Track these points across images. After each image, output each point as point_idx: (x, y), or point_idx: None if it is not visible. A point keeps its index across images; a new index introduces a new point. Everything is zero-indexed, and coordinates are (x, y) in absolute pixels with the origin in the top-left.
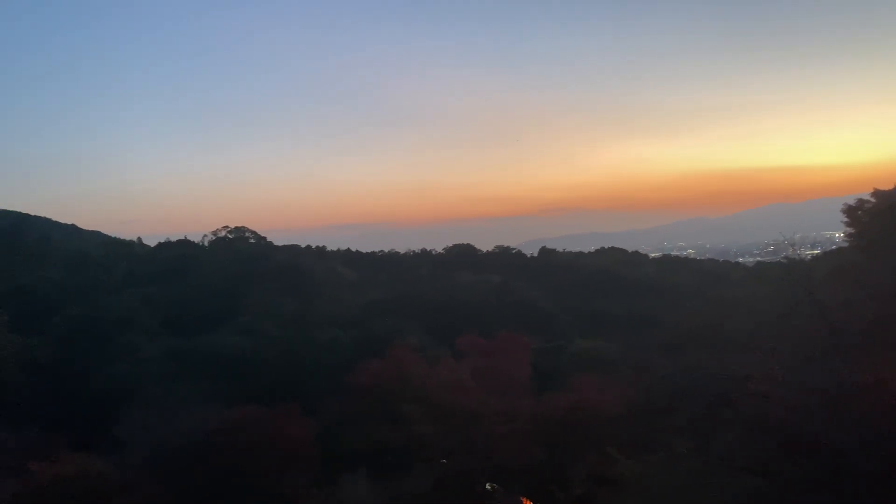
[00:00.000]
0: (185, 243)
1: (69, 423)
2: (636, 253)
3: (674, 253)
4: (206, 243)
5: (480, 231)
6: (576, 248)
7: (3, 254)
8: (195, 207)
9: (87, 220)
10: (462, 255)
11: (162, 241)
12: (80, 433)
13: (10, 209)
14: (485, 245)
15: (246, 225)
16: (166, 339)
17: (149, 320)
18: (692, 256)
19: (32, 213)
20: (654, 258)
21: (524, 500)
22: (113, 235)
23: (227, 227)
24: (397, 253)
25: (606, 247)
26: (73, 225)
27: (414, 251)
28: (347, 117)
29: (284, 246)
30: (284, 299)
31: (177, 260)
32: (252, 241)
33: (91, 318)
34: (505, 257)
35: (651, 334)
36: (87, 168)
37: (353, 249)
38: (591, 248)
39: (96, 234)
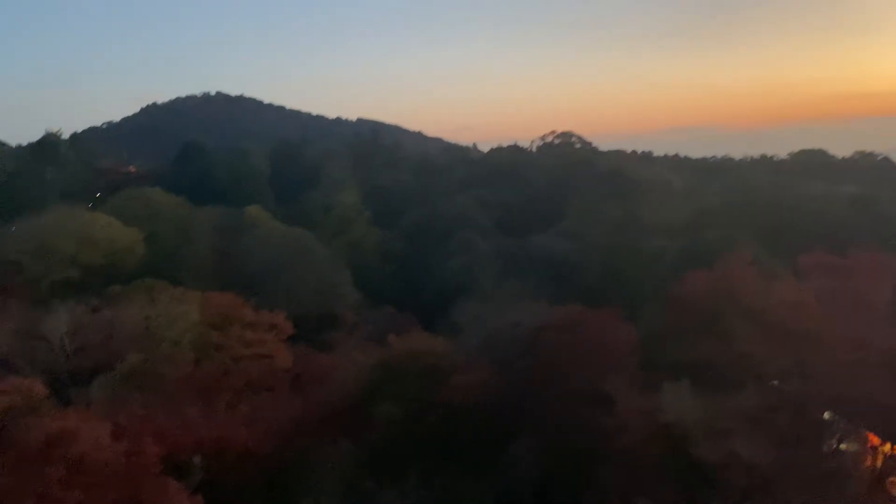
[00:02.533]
0: (514, 149)
1: (414, 306)
2: None
3: None
4: (534, 149)
5: (834, 134)
6: None
7: (365, 158)
8: (526, 113)
9: (430, 127)
10: (810, 162)
11: (494, 147)
12: (423, 316)
13: (370, 119)
14: (840, 150)
15: (572, 130)
16: (497, 239)
17: (482, 220)
18: None
19: (387, 122)
20: None
21: (870, 435)
22: (452, 142)
23: (554, 132)
24: (731, 159)
25: None
26: (419, 132)
27: (752, 157)
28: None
29: (609, 151)
30: (608, 205)
31: (507, 165)
32: (578, 146)
33: (433, 217)
34: (866, 165)
35: None
36: (431, 80)
37: (682, 155)
38: None
39: (437, 141)
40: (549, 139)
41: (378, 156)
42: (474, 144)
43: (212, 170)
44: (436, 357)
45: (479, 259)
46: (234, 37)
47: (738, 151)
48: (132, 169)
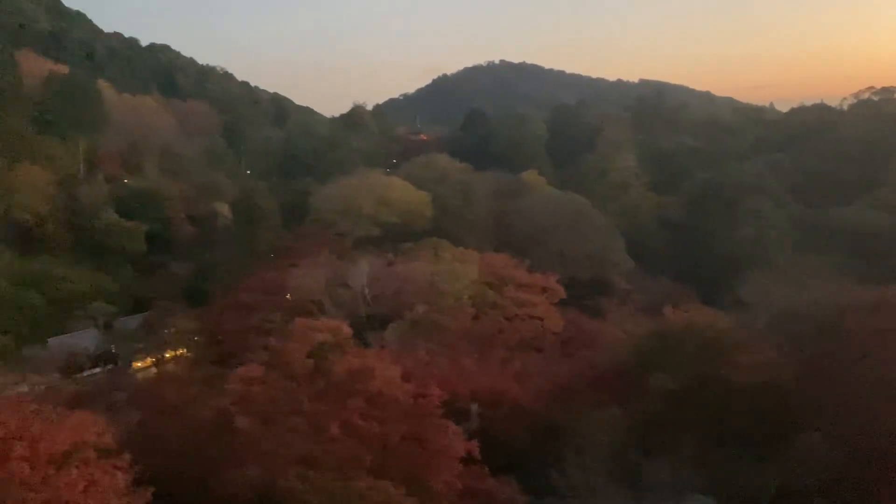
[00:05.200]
0: (820, 107)
1: (694, 277)
2: None
3: None
4: (844, 107)
5: None
6: None
7: (645, 121)
8: (834, 68)
9: (720, 86)
10: None
11: (795, 106)
12: (704, 288)
13: (653, 79)
14: None
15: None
16: (793, 208)
17: (775, 187)
18: None
19: (672, 83)
20: None
21: None
22: (744, 102)
23: (871, 88)
24: None
25: None
26: (707, 92)
27: None
28: None
29: None
30: None
31: (809, 125)
32: None
33: (719, 183)
34: None
35: None
36: (720, 35)
37: None
38: None
39: (728, 101)
40: (865, 96)
41: (659, 118)
42: (771, 104)
43: (492, 136)
44: (717, 331)
45: (771, 230)
46: (517, 4)
47: None
48: (423, 137)
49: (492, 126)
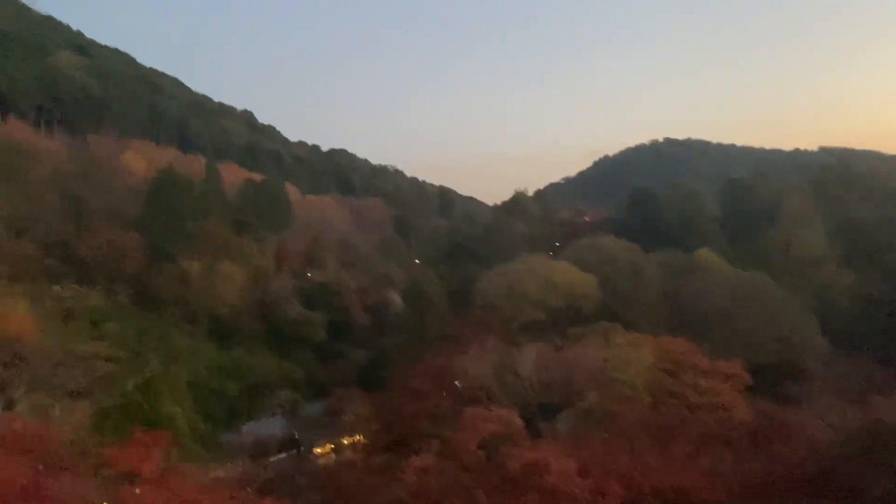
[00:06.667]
0: None
1: None
2: None
3: None
4: None
5: None
6: None
7: (830, 190)
8: None
9: None
10: None
11: None
12: None
13: (836, 146)
14: None
15: None
16: None
17: None
18: None
19: (857, 148)
20: None
21: None
22: None
23: None
24: None
25: None
26: None
27: None
28: None
29: None
30: None
31: None
32: None
33: None
34: None
35: None
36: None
37: None
38: None
39: None
40: None
41: (847, 186)
42: None
43: (660, 214)
44: None
45: None
46: (674, 82)
47: None
48: (587, 218)
49: (659, 204)
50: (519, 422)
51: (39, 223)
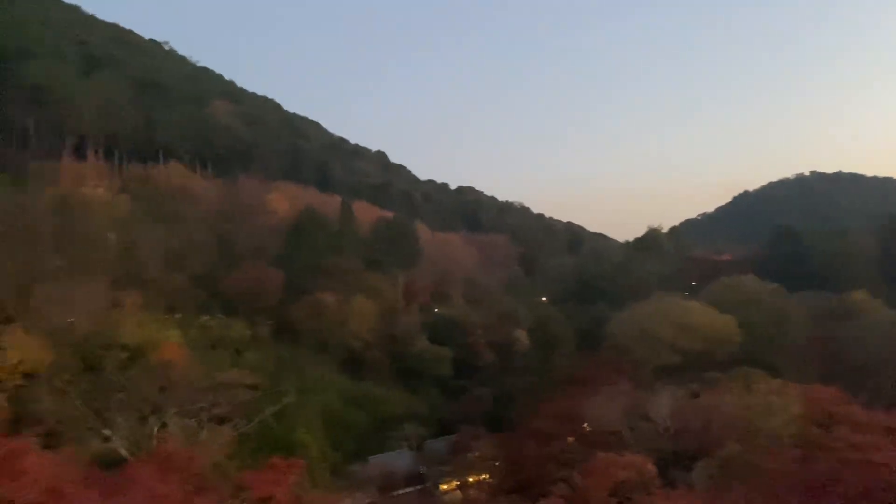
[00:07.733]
0: None
1: None
2: None
3: None
4: None
5: None
6: None
7: None
8: None
9: None
10: None
11: None
12: None
13: None
14: None
15: None
16: None
17: None
18: None
19: None
20: None
21: None
22: None
23: None
24: None
25: None
26: None
27: None
28: None
29: None
30: None
31: None
32: None
33: None
34: None
35: None
36: None
37: None
38: None
39: None
40: None
41: None
42: None
43: (806, 253)
44: None
45: None
46: (823, 115)
47: None
48: (726, 257)
49: (805, 242)
50: (653, 469)
51: (193, 259)
